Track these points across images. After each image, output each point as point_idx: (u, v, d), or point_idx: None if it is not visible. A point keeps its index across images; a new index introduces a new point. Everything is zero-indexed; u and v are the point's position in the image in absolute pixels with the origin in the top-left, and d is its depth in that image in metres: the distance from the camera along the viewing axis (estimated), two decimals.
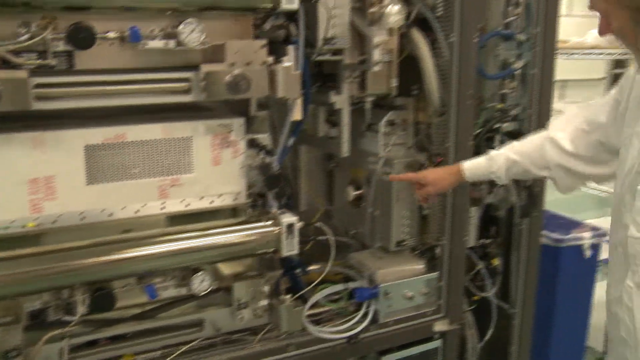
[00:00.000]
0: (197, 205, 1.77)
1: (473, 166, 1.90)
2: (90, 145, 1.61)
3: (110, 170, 1.64)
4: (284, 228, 1.77)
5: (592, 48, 3.15)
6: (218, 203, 1.80)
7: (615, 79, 11.64)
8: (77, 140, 1.60)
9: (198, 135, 1.72)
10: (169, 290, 1.78)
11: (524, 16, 2.14)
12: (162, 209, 1.72)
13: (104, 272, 1.64)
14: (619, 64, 9.28)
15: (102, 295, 1.65)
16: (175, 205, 1.74)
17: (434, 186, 1.95)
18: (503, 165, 1.84)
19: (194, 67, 1.63)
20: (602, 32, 1.45)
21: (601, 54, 3.19)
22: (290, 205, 1.93)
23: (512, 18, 2.13)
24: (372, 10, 1.96)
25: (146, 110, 1.68)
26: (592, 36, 3.29)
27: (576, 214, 4.82)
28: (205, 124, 1.73)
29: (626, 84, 1.57)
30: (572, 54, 3.19)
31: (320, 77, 2.13)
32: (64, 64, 1.55)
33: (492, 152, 1.88)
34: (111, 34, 1.56)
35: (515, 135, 2.22)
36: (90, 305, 1.64)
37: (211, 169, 1.76)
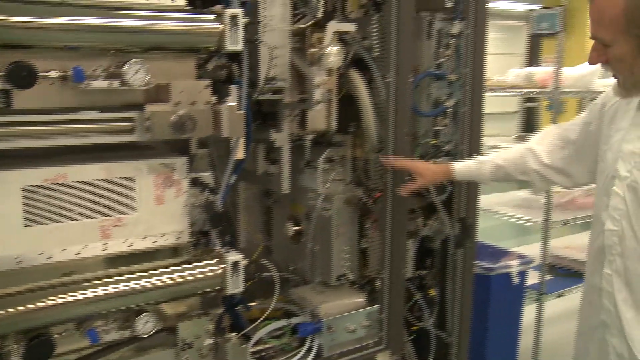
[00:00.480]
0: (139, 245, 1.74)
1: (463, 167, 2.11)
2: (28, 186, 1.56)
3: (49, 212, 1.60)
4: (229, 266, 1.77)
5: (513, 86, 3.34)
6: (161, 242, 1.77)
7: (527, 112, 12.41)
8: (14, 181, 1.54)
9: (141, 175, 1.71)
10: (111, 334, 1.73)
11: (454, 57, 2.25)
12: (104, 250, 1.68)
13: (41, 319, 1.58)
14: (530, 99, 9.94)
15: (38, 343, 1.58)
16: (117, 246, 1.70)
17: (423, 177, 2.09)
18: (490, 168, 2.06)
19: (137, 107, 1.63)
20: (593, 62, 1.58)
21: (520, 91, 3.38)
22: (232, 242, 1.94)
23: (443, 59, 2.23)
24: (312, 51, 2.03)
25: (87, 149, 1.66)
26: (512, 74, 3.49)
27: (497, 242, 5.02)
28: (147, 164, 1.72)
29: (594, 109, 1.80)
30: (495, 91, 3.37)
31: (259, 115, 2.17)
32: (1, 103, 1.52)
33: (480, 157, 2.11)
34: (53, 73, 1.54)
35: None
36: (25, 354, 1.57)
37: (154, 208, 1.74)
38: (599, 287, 1.67)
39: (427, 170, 2.09)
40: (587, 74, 3.46)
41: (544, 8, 8.81)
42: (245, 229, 2.51)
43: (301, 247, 2.37)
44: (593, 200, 3.56)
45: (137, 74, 1.57)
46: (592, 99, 4.18)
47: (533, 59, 11.76)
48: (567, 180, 1.94)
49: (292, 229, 2.39)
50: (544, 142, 1.96)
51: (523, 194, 3.70)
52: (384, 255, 2.18)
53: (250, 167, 2.28)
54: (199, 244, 1.88)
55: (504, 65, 8.34)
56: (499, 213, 3.36)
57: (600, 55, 1.55)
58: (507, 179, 2.09)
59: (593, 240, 1.74)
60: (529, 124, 12.02)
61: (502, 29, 14.31)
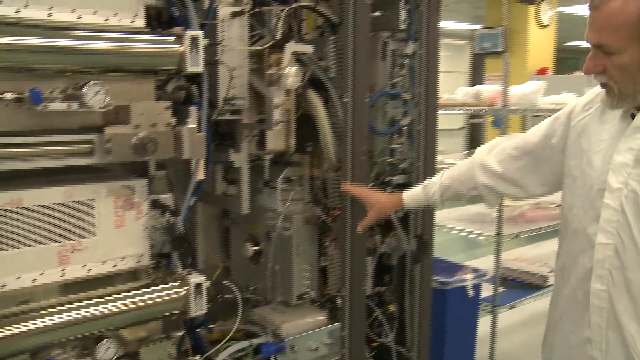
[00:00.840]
0: (99, 270, 1.71)
1: (411, 195, 2.08)
2: None
3: (5, 238, 1.55)
4: (192, 288, 1.75)
5: (462, 104, 3.43)
6: (121, 266, 1.75)
7: (471, 128, 12.76)
8: None
9: (100, 198, 1.68)
10: None
11: (409, 77, 2.31)
12: (62, 276, 1.65)
13: None
14: (474, 116, 10.25)
15: None
16: (76, 271, 1.66)
17: (374, 209, 2.08)
18: (437, 190, 2.02)
19: (96, 129, 1.61)
20: (589, 71, 1.52)
21: (469, 109, 3.48)
22: (193, 264, 1.92)
23: (397, 79, 2.28)
24: (270, 71, 2.04)
25: (44, 172, 1.62)
26: (461, 93, 3.59)
27: (449, 256, 5.10)
28: (107, 186, 1.70)
29: (557, 122, 1.77)
30: (447, 109, 3.46)
31: (217, 135, 2.17)
32: None
33: (426, 181, 2.07)
34: (8, 95, 1.50)
35: (405, 186, 2.37)
36: None
37: (114, 231, 1.71)
38: (583, 304, 1.60)
39: (378, 202, 2.08)
40: (531, 92, 3.58)
41: (485, 28, 9.12)
42: (204, 249, 2.49)
43: (261, 267, 2.36)
44: (541, 213, 3.71)
45: (96, 95, 1.55)
46: (536, 116, 4.35)
47: (477, 77, 12.12)
48: (519, 192, 1.90)
49: (251, 249, 2.39)
50: (494, 152, 1.92)
51: (475, 208, 3.80)
52: (344, 272, 2.19)
53: (209, 188, 2.28)
54: (160, 266, 1.86)
55: (450, 83, 8.58)
56: (453, 228, 3.43)
57: (598, 64, 1.49)
58: (457, 197, 2.06)
59: (572, 256, 1.67)
60: (474, 140, 12.37)
61: (447, 48, 14.70)
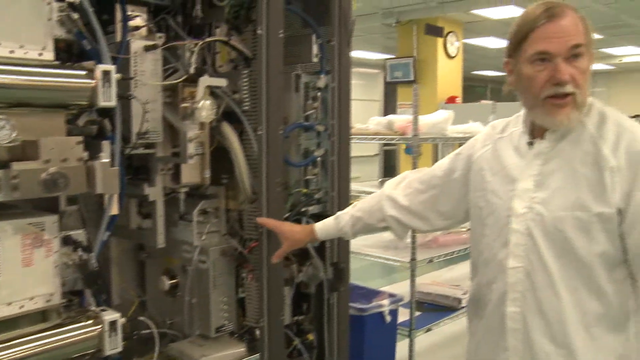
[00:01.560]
0: (5, 312, 1.64)
1: (323, 226, 2.07)
2: None
3: None
4: (106, 326, 1.71)
5: (375, 134, 3.54)
6: (29, 307, 1.68)
7: (386, 154, 13.10)
8: None
9: (6, 236, 1.62)
10: None
11: (322, 109, 2.37)
12: None
13: None
14: (388, 143, 10.56)
15: None
16: None
17: (287, 241, 2.06)
18: (348, 222, 2.02)
19: (1, 165, 1.56)
20: (564, 77, 1.50)
21: (382, 139, 3.59)
22: (107, 301, 1.88)
23: (311, 111, 2.34)
24: (184, 105, 2.05)
25: None
26: (373, 122, 3.70)
27: (366, 282, 5.18)
28: (13, 224, 1.64)
29: (459, 158, 1.83)
30: (360, 139, 3.55)
31: (130, 169, 2.15)
32: None
33: (338, 213, 2.07)
34: None
35: (321, 217, 2.41)
36: None
37: (21, 270, 1.65)
38: (499, 329, 1.63)
39: (291, 234, 2.08)
40: (440, 121, 3.74)
41: (397, 58, 9.46)
42: (119, 285, 2.43)
43: (178, 301, 2.33)
44: (453, 238, 3.86)
45: (2, 130, 1.51)
46: (446, 144, 4.54)
47: (389, 105, 12.51)
48: (424, 224, 1.94)
49: (167, 282, 2.35)
50: (401, 186, 1.97)
51: (389, 235, 3.89)
52: (261, 303, 2.20)
53: (123, 222, 2.25)
54: (72, 305, 1.81)
55: (363, 111, 8.80)
56: (369, 255, 3.51)
57: (571, 71, 1.50)
58: (367, 229, 2.07)
59: (485, 284, 1.69)
60: (388, 167, 12.70)
61: (361, 77, 15.10)
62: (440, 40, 9.04)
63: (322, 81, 2.34)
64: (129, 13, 2.01)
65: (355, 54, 13.03)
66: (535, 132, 1.61)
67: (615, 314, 1.54)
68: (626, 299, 1.54)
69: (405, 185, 1.97)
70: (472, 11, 8.34)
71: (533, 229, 1.57)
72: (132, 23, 2.02)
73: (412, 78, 8.94)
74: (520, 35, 1.54)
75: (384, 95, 13.85)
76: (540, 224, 1.56)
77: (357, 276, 6.49)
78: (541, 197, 1.57)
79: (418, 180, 1.95)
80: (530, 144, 1.63)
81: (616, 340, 1.55)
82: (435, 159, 8.54)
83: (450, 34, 9.25)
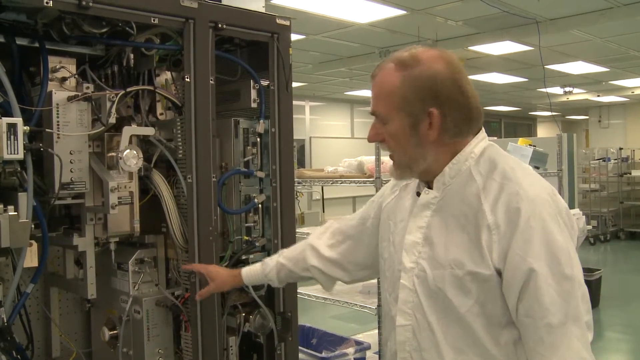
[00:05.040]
0: None
1: (250, 270, 2.01)
2: None
3: None
4: None
5: (343, 176, 3.49)
6: None
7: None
8: None
9: None
10: None
11: (265, 154, 2.34)
12: None
13: None
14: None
15: None
16: None
17: (214, 282, 2.02)
18: (274, 268, 1.96)
19: None
20: (371, 139, 1.53)
21: (352, 181, 3.53)
22: (24, 357, 1.84)
23: (250, 157, 2.30)
24: (110, 154, 2.04)
25: None
26: (344, 164, 3.66)
27: (364, 325, 5.05)
28: None
29: (372, 205, 1.78)
30: (332, 182, 3.51)
31: (68, 219, 2.13)
32: None
33: (266, 259, 2.01)
34: None
35: None
36: None
37: None
38: None
39: (217, 276, 2.03)
40: None
41: None
42: (60, 337, 2.39)
43: (118, 353, 2.28)
44: None
45: None
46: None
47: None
48: (345, 275, 1.88)
49: (107, 333, 2.31)
50: (325, 236, 1.91)
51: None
52: (196, 354, 2.14)
53: (61, 273, 2.22)
54: None
55: (369, 150, 8.76)
56: (338, 300, 3.42)
57: (379, 133, 1.49)
58: (291, 277, 2.00)
59: (385, 338, 1.63)
60: None
61: (368, 115, 15.11)
62: None
63: (261, 126, 2.31)
64: (56, 65, 2.02)
65: (361, 93, 13.11)
66: (429, 181, 1.51)
67: None
68: None
69: (328, 234, 1.91)
70: (471, 48, 8.33)
71: (417, 286, 1.48)
72: (59, 74, 2.02)
73: None
74: None
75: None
76: (424, 280, 1.47)
77: (350, 319, 6.35)
78: (426, 252, 1.48)
79: (338, 231, 1.90)
80: (418, 194, 1.54)
81: None
82: None
83: None
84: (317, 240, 1.91)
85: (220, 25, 2.12)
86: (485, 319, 1.40)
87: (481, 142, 1.49)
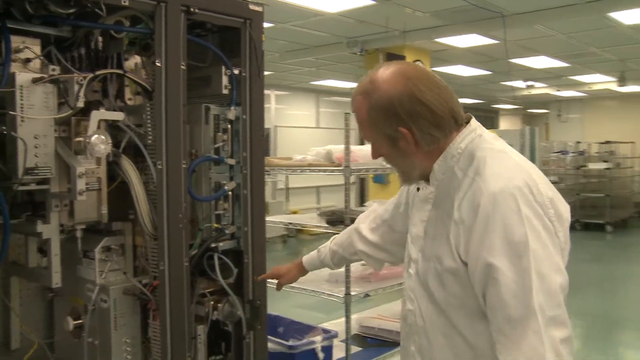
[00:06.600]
0: None
1: (309, 258, 2.30)
2: None
3: None
4: None
5: (313, 165, 3.47)
6: None
7: (362, 183, 13.09)
8: None
9: None
10: None
11: (235, 141, 2.31)
12: None
13: None
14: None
15: None
16: None
17: (285, 276, 2.34)
18: (328, 254, 2.22)
19: None
20: (373, 157, 1.66)
21: (319, 169, 3.50)
22: None
23: (220, 144, 2.27)
24: (77, 139, 1.98)
25: None
26: (312, 153, 3.64)
27: (329, 313, 5.07)
28: None
29: (403, 191, 1.91)
30: (296, 169, 3.49)
31: (31, 205, 2.07)
32: None
33: (321, 246, 2.27)
34: None
35: (235, 253, 2.34)
36: None
37: None
38: None
39: (285, 271, 2.34)
40: None
41: None
42: (21, 328, 2.33)
43: (82, 342, 2.23)
44: (393, 271, 3.78)
45: None
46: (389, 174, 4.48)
47: (347, 132, 12.52)
48: (389, 256, 2.06)
49: (72, 323, 2.25)
50: (368, 219, 2.09)
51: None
52: (165, 343, 2.11)
53: (23, 261, 2.16)
54: None
55: (338, 140, 8.77)
56: (305, 289, 3.41)
57: (375, 152, 1.63)
58: (345, 261, 2.26)
59: (403, 319, 1.74)
60: (364, 194, 12.69)
61: (335, 105, 15.16)
62: None
63: (232, 113, 2.28)
64: (19, 45, 1.95)
65: (328, 82, 13.10)
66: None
67: None
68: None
69: (371, 219, 2.09)
70: (437, 40, 8.39)
71: (416, 276, 1.62)
72: (22, 55, 1.95)
73: None
74: None
75: (345, 124, 13.90)
76: (419, 271, 1.61)
77: (317, 309, 6.38)
78: (422, 245, 1.61)
79: (378, 215, 2.06)
80: (418, 189, 1.68)
81: None
82: None
83: (417, 62, 9.29)
84: (361, 225, 2.10)
85: (192, 9, 2.08)
86: (464, 310, 1.49)
87: (468, 135, 1.55)
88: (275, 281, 2.39)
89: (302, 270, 2.32)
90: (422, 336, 1.60)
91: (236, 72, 2.30)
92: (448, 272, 1.48)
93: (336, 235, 2.24)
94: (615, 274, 9.33)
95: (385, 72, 1.52)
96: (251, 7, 2.28)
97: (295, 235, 12.44)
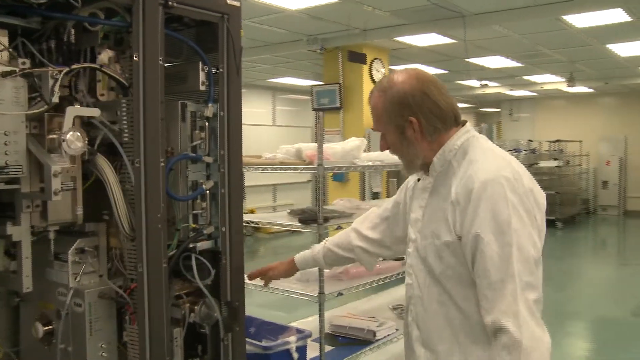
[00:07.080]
0: None
1: (302, 256, 2.49)
2: None
3: None
4: None
5: (282, 163, 3.43)
6: None
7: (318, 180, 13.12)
8: None
9: None
10: None
11: (211, 139, 2.25)
12: None
13: None
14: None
15: None
16: None
17: (274, 270, 2.54)
18: (320, 251, 2.42)
19: None
20: (382, 149, 1.97)
21: (289, 168, 3.45)
22: None
23: (197, 142, 2.21)
24: (51, 137, 1.89)
25: None
26: (283, 151, 3.59)
27: (290, 312, 5.04)
28: None
29: (403, 189, 2.19)
30: (265, 168, 3.43)
31: None
32: None
33: (315, 245, 2.48)
34: None
35: (212, 253, 2.28)
36: None
37: None
38: (407, 333, 1.99)
39: (276, 266, 2.53)
40: (352, 149, 3.68)
41: (323, 85, 9.45)
42: None
43: (53, 349, 2.13)
44: (364, 270, 3.78)
45: None
46: (375, 170, 4.47)
47: (320, 131, 12.52)
48: (386, 250, 2.31)
49: (41, 329, 2.15)
50: (367, 220, 2.34)
51: None
52: (143, 348, 2.03)
53: None
54: None
55: (295, 138, 8.74)
56: (277, 288, 3.36)
57: (384, 143, 1.94)
58: (339, 261, 2.44)
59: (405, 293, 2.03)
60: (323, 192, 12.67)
61: (292, 103, 15.12)
62: (365, 67, 9.09)
63: (209, 110, 2.22)
64: None
65: (285, 80, 13.04)
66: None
67: (476, 327, 1.75)
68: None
69: (369, 220, 2.34)
70: (396, 38, 8.44)
71: (415, 253, 1.93)
72: None
73: (338, 105, 8.94)
74: None
75: (315, 122, 13.89)
76: (417, 249, 1.91)
77: (279, 307, 6.33)
78: (420, 226, 1.91)
79: (377, 215, 2.32)
80: (419, 180, 2.00)
81: (481, 352, 1.75)
82: (363, 186, 8.52)
83: (376, 60, 9.33)
84: (359, 225, 2.36)
85: (170, 2, 2.01)
86: (457, 279, 1.78)
87: (463, 135, 1.88)
88: (256, 282, 2.41)
89: (293, 268, 2.48)
90: (419, 305, 1.90)
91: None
92: (445, 246, 1.78)
93: (329, 237, 2.44)
94: (565, 269, 9.59)
95: (400, 75, 1.87)
96: (229, 1, 2.23)
97: (252, 234, 12.35)
